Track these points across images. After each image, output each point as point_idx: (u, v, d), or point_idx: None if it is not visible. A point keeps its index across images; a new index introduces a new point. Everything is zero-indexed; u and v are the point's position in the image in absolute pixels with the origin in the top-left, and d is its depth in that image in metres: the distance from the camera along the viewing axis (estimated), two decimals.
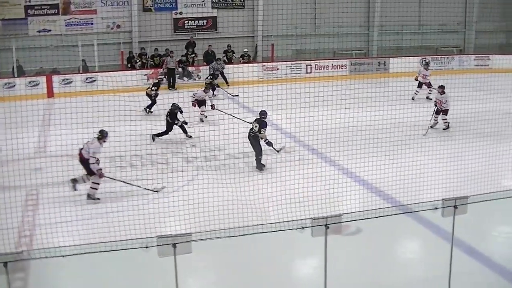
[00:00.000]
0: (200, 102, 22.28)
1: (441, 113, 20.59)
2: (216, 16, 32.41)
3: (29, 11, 29.56)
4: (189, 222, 11.87)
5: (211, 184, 14.22)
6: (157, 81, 24.63)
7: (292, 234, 7.66)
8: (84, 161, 14.62)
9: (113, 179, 14.88)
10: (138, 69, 29.28)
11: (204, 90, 22.67)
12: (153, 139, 19.07)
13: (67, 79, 27.92)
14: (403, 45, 34.26)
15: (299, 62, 31.71)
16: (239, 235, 7.55)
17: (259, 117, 16.83)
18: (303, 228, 7.48)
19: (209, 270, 11.34)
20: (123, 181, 14.85)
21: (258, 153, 16.69)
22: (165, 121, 19.43)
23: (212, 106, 22.05)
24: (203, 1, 32.08)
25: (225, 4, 32.55)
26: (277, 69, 30.83)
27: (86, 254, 7.40)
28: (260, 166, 16.66)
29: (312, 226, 7.37)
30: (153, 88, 23.77)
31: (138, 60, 29.84)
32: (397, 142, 16.80)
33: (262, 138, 16.67)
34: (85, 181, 14.72)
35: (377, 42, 35.15)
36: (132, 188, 14.66)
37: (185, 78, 29.51)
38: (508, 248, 12.98)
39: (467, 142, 17.38)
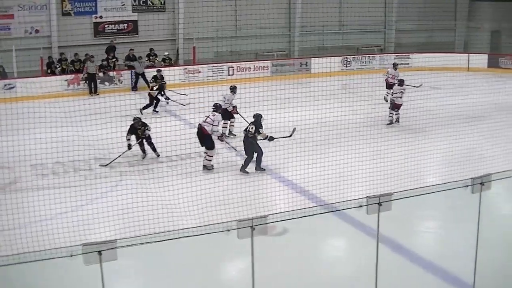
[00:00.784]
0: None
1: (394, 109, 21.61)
2: (136, 20, 32.06)
3: None
4: (114, 229, 11.77)
5: (135, 190, 14.13)
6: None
7: (218, 237, 7.68)
8: (204, 136, 16.83)
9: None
10: (58, 75, 28.67)
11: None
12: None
13: None
14: (324, 45, 34.71)
15: (221, 64, 31.74)
16: (165, 240, 7.52)
17: (253, 120, 16.89)
18: (229, 230, 7.51)
19: (136, 276, 11.26)
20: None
21: (260, 153, 16.78)
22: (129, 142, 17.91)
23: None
24: (123, 5, 31.71)
25: (146, 8, 32.27)
26: (199, 72, 30.79)
27: (10, 266, 7.25)
28: (260, 168, 16.76)
29: (238, 228, 7.40)
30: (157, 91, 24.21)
31: (58, 66, 29.28)
32: (321, 141, 17.06)
33: (263, 138, 16.77)
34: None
35: (299, 43, 35.43)
36: (55, 196, 14.40)
37: (106, 83, 29.11)
38: (432, 242, 13.31)
39: (391, 139, 17.80)
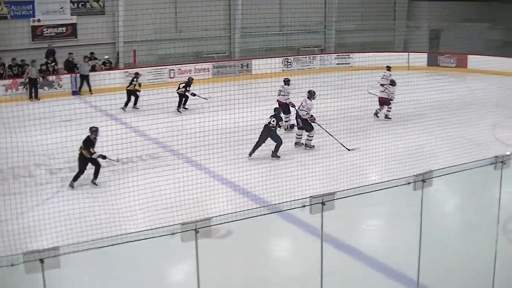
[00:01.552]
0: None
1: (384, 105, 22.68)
2: (75, 23, 31.53)
3: None
4: (56, 236, 11.59)
5: (77, 195, 13.94)
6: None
7: (163, 241, 7.62)
8: (304, 120, 19.19)
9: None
10: None
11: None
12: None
13: None
14: (265, 46, 34.77)
15: (162, 67, 31.57)
16: (109, 245, 7.43)
17: (274, 113, 18.57)
18: (173, 234, 7.45)
19: (80, 283, 11.09)
20: None
21: (280, 142, 18.31)
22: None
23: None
24: (62, 8, 31.16)
25: (85, 11, 31.81)
26: (140, 75, 30.47)
27: None
28: (277, 155, 18.12)
29: (181, 232, 7.36)
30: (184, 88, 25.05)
31: None
32: (264, 143, 17.09)
33: (282, 128, 19.30)
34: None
35: (240, 44, 35.45)
36: None
37: (45, 88, 28.62)
38: (375, 240, 13.46)
39: (334, 140, 17.95)
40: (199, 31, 31.78)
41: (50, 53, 29.98)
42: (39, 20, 30.73)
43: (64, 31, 31.48)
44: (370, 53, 33.01)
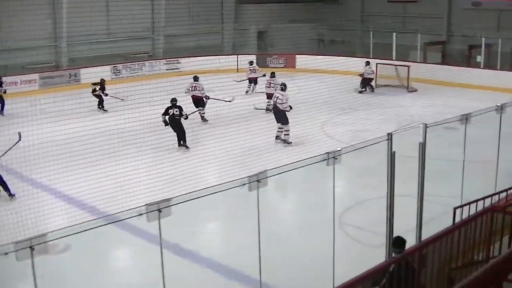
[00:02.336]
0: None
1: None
2: None
3: None
4: None
5: None
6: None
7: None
8: (280, 112, 19.70)
9: None
10: None
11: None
12: None
13: None
14: (93, 54, 33.99)
15: None
16: None
17: (171, 104, 19.33)
18: (6, 253, 7.06)
19: None
20: None
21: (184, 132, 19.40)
22: None
23: None
24: None
25: None
26: None
27: None
28: (186, 146, 19.27)
29: (16, 251, 6.97)
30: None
31: None
32: (98, 152, 16.69)
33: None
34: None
35: (67, 53, 34.39)
36: None
37: None
38: (213, 242, 13.63)
39: (169, 144, 17.85)
40: (23, 41, 30.40)
41: None
42: None
43: None
44: (199, 57, 33.22)
